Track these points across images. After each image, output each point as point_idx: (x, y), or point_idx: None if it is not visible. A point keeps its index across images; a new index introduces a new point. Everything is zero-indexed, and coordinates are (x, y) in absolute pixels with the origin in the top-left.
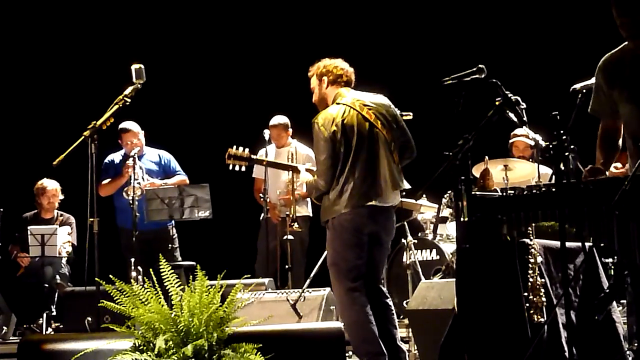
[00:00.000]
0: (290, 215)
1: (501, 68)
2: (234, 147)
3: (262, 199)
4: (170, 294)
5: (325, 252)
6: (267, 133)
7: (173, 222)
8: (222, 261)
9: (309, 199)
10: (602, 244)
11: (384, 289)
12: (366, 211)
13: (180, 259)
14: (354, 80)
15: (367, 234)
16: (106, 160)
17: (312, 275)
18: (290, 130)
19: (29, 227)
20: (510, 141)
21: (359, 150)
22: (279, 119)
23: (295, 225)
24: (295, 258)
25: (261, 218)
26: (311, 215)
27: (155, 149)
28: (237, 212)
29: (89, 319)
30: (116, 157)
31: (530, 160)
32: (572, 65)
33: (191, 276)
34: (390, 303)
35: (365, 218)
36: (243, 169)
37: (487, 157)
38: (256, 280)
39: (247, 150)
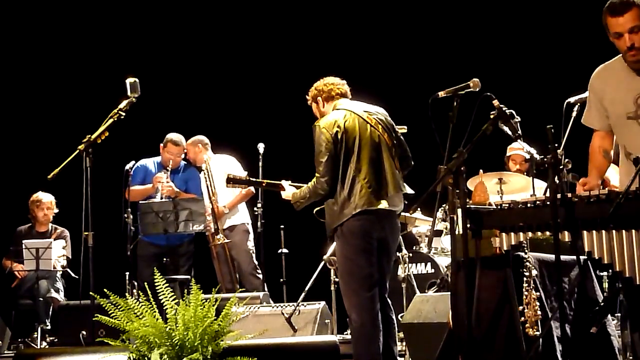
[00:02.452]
0: (211, 231)
1: (495, 81)
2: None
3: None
4: (165, 308)
5: (320, 266)
6: (261, 147)
7: (192, 235)
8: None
9: (240, 207)
10: (596, 257)
11: (389, 301)
12: (375, 217)
13: (192, 274)
14: (349, 91)
15: (376, 239)
16: (138, 165)
17: (306, 288)
18: (201, 146)
19: (23, 241)
20: (507, 154)
21: (363, 151)
22: (193, 138)
23: (219, 237)
24: (243, 268)
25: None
26: (248, 221)
27: (189, 166)
28: None
29: (84, 332)
30: (149, 163)
31: (526, 173)
32: (567, 78)
33: (186, 290)
34: (393, 317)
35: (374, 223)
36: (243, 191)
37: (481, 171)
38: (251, 294)
39: (245, 172)
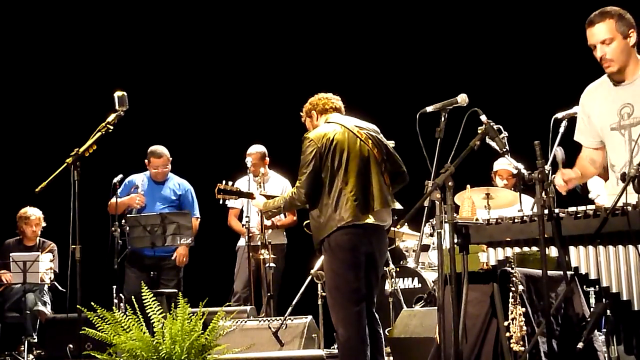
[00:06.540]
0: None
1: (483, 96)
2: (223, 182)
3: (244, 227)
4: (152, 321)
5: (308, 280)
6: (249, 161)
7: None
8: (204, 289)
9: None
10: (583, 273)
11: (377, 315)
12: (362, 231)
13: (181, 288)
14: (342, 107)
15: (363, 253)
16: (127, 180)
17: (294, 303)
18: (267, 160)
19: (11, 254)
20: (494, 170)
21: (351, 165)
22: (255, 148)
23: (264, 252)
24: (273, 289)
25: (238, 246)
26: (286, 242)
27: (179, 178)
28: (218, 239)
29: (71, 346)
30: (138, 179)
31: (513, 188)
32: (555, 93)
33: (173, 304)
34: (381, 331)
35: (361, 237)
36: (233, 202)
37: (469, 186)
38: (238, 307)
39: (236, 184)
